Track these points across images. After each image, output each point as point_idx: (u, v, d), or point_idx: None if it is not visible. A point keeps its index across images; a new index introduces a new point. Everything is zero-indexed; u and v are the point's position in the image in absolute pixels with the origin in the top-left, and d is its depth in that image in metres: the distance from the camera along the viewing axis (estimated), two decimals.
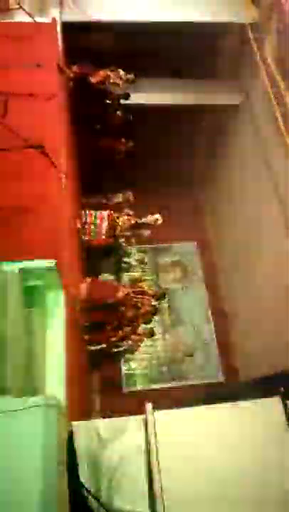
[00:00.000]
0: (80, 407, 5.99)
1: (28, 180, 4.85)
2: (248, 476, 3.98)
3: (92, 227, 7.00)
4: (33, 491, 3.18)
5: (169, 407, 4.33)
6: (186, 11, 7.70)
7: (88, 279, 6.75)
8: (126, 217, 7.15)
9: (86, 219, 7.09)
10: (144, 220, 7.13)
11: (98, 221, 7.04)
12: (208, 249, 10.99)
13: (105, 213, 7.15)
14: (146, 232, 7.60)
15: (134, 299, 6.60)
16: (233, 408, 4.36)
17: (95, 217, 7.08)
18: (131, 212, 7.35)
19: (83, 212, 7.17)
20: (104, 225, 7.02)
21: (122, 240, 8.69)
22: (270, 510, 3.89)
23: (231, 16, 7.95)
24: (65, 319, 4.83)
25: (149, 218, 7.14)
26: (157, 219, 7.17)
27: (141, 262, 10.62)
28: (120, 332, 6.67)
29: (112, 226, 7.04)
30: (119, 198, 8.22)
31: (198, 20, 7.66)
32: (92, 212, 7.15)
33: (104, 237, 7.02)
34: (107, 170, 8.35)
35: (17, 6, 6.10)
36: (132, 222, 7.09)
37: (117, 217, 7.11)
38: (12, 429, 3.39)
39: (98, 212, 7.16)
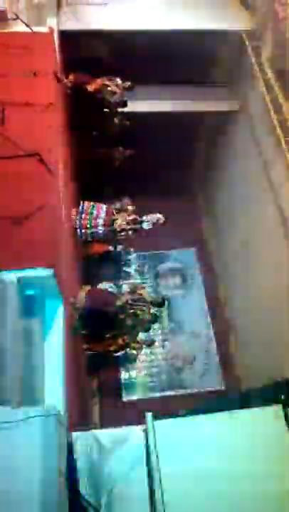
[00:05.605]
0: (80, 417, 5.95)
1: (26, 189, 4.83)
2: (249, 486, 3.94)
3: (89, 216, 6.93)
4: (33, 502, 3.15)
5: (170, 416, 4.30)
6: (183, 19, 7.78)
7: (87, 287, 6.72)
8: (126, 212, 7.08)
9: (83, 208, 7.03)
10: (145, 217, 7.06)
11: (95, 211, 6.98)
12: (208, 255, 10.98)
13: (104, 206, 7.12)
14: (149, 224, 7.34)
15: (134, 307, 6.56)
16: (234, 417, 4.33)
17: (93, 206, 7.04)
18: (131, 208, 7.27)
19: (81, 202, 7.13)
20: (102, 215, 6.95)
21: (121, 246, 8.71)
22: None
23: (226, 25, 8.03)
24: (63, 328, 4.81)
25: (151, 217, 7.07)
26: (159, 218, 7.10)
27: (140, 269, 10.60)
28: (119, 340, 6.63)
29: (110, 219, 6.97)
30: (116, 205, 8.19)
31: (194, 28, 7.73)
32: (91, 203, 7.11)
33: (101, 228, 6.95)
34: (105, 176, 8.35)
35: (14, 17, 6.13)
36: (132, 218, 6.99)
37: (117, 212, 7.06)
38: (11, 440, 3.35)
39: (97, 203, 7.13)
